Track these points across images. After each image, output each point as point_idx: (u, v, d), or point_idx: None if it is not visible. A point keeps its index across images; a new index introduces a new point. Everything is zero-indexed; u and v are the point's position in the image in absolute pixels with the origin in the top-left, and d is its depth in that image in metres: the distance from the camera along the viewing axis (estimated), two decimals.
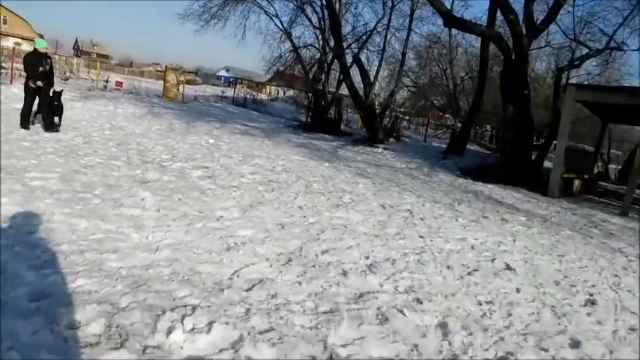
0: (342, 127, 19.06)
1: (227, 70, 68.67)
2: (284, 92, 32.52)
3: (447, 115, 29.24)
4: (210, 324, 2.58)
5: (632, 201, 10.39)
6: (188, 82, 29.75)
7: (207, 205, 5.15)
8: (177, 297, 2.87)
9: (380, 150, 14.51)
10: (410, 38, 18.40)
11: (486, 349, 2.83)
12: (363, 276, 3.74)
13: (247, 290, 3.14)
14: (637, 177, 10.72)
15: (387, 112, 18.00)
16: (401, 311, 3.15)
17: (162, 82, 22.21)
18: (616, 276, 5.00)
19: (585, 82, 20.19)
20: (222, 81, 50.40)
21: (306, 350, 2.50)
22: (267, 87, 33.57)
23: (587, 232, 7.35)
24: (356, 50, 18.76)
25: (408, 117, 27.94)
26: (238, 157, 8.79)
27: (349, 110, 23.14)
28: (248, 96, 27.47)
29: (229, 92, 27.66)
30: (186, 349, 2.35)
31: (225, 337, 2.50)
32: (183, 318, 2.58)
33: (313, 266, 3.79)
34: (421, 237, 5.22)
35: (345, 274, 3.71)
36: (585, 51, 15.74)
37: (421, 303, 3.38)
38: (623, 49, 15.77)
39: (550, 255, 5.44)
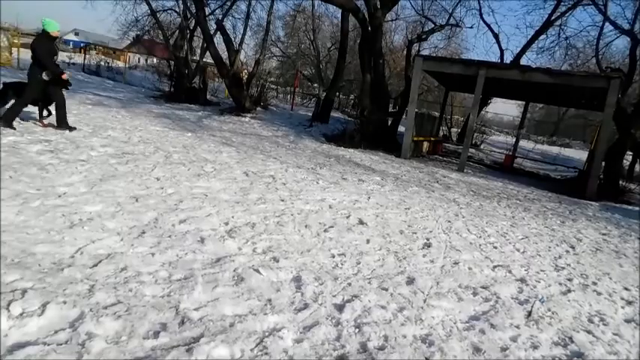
0: (208, 96, 18.39)
1: (76, 34, 60.66)
2: (145, 60, 30.09)
3: (314, 85, 30.11)
4: (44, 305, 2.37)
5: (466, 158, 12.02)
6: (25, 45, 25.69)
7: (47, 182, 4.60)
8: (2, 283, 2.56)
9: (247, 119, 14.39)
10: (275, 7, 18.30)
11: (335, 295, 3.09)
12: (221, 241, 3.75)
13: (92, 267, 2.93)
14: (469, 138, 12.41)
15: (254, 81, 17.80)
16: (257, 270, 3.26)
17: None
18: (449, 222, 5.80)
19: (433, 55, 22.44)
20: (72, 46, 44.50)
21: (155, 318, 2.45)
22: (126, 54, 30.65)
23: (430, 187, 8.33)
24: (220, 16, 18.06)
25: (276, 86, 28.08)
26: (88, 130, 7.96)
27: (217, 80, 22.37)
28: (102, 63, 24.81)
29: (79, 59, 24.64)
30: (12, 335, 2.13)
31: (63, 317, 2.33)
32: (9, 304, 2.32)
33: (169, 236, 3.68)
34: (282, 200, 5.38)
35: (202, 241, 3.68)
36: (431, 25, 17.44)
37: (277, 261, 3.52)
38: (460, 25, 17.86)
39: (398, 209, 6.06)
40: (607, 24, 13.92)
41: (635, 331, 3.33)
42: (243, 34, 17.19)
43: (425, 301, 3.24)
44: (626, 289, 4.34)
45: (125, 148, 6.84)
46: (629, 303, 3.96)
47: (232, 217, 4.45)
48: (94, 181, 4.91)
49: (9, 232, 3.24)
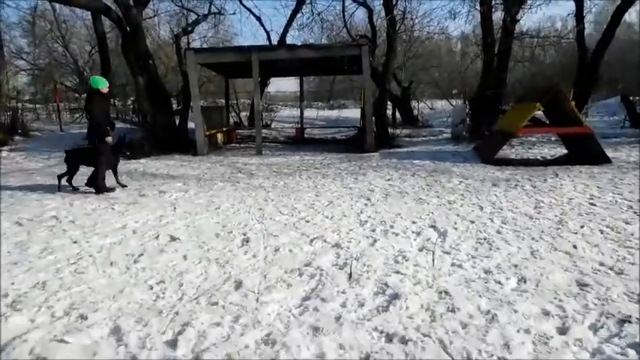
0: None
1: None
2: None
3: (83, 95, 26.67)
4: None
5: (261, 141, 12.43)
6: None
7: None
8: None
9: (4, 154, 11.89)
10: (3, 12, 15.17)
11: (163, 332, 2.82)
12: (2, 322, 3.01)
13: None
14: (259, 121, 12.84)
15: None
16: (62, 340, 2.72)
17: None
18: (260, 209, 5.91)
19: (205, 45, 22.23)
20: None
21: None
22: None
23: (234, 178, 8.35)
24: None
25: (35, 105, 23.91)
26: None
27: None
28: None
29: None
30: None
31: None
32: None
33: None
34: (75, 242, 4.63)
35: None
36: (195, 17, 17.11)
37: (86, 318, 3.02)
38: (223, 13, 18.04)
39: (208, 211, 5.89)
40: None
41: (428, 256, 3.98)
42: None
43: (257, 300, 3.23)
44: (413, 222, 5.14)
45: None
46: (418, 234, 4.70)
47: (12, 284, 3.63)
48: None
49: None
